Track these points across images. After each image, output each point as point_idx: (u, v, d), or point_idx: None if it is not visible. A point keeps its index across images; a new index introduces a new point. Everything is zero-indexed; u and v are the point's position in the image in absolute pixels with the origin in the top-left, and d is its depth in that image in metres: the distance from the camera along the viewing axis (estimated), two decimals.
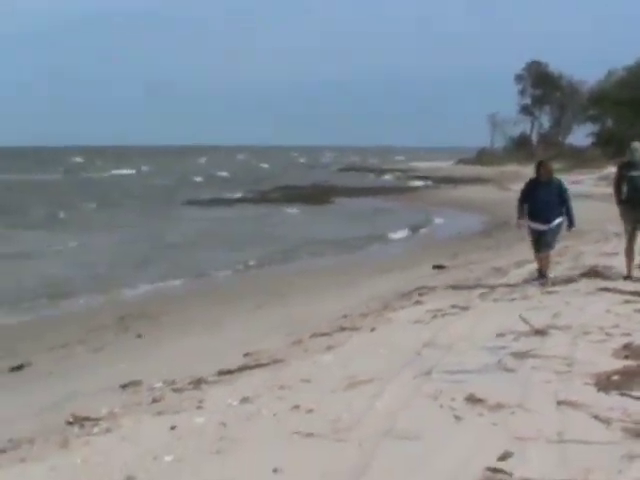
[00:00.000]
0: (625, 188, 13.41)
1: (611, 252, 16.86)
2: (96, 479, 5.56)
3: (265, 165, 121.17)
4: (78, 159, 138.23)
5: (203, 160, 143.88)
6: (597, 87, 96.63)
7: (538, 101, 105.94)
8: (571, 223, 13.97)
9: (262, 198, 52.90)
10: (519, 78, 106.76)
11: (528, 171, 60.81)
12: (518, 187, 51.82)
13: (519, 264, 17.15)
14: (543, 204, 13.71)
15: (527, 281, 13.89)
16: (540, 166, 14.25)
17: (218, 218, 38.51)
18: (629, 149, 13.90)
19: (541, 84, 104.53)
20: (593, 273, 13.87)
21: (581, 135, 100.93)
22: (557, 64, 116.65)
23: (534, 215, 13.86)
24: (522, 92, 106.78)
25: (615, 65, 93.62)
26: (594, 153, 79.86)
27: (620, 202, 13.59)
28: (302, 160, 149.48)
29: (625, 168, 13.63)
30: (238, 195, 55.21)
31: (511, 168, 77.35)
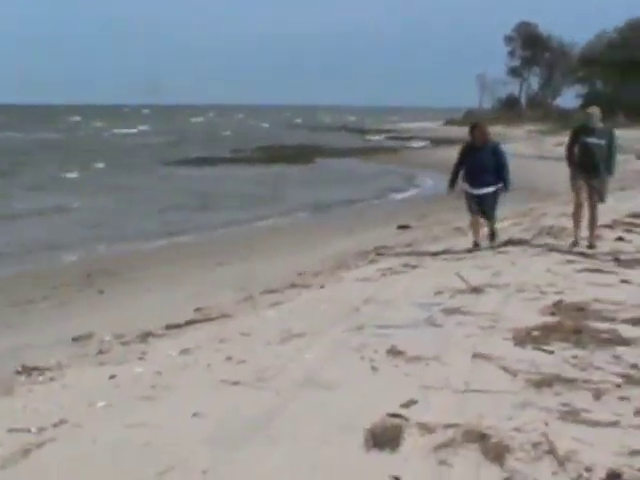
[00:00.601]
0: (578, 153, 13.00)
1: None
2: (31, 422, 5.95)
3: (266, 125, 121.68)
4: (76, 118, 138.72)
5: (201, 119, 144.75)
6: (587, 49, 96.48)
7: (527, 62, 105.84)
8: (505, 187, 13.34)
9: (249, 157, 53.14)
10: (508, 39, 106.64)
11: (514, 132, 60.94)
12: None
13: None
14: (478, 169, 13.18)
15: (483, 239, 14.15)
16: (474, 129, 13.57)
17: (203, 177, 39.05)
18: (585, 113, 13.58)
19: (530, 45, 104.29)
20: (545, 234, 14.26)
21: (570, 97, 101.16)
22: (547, 25, 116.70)
23: (470, 180, 13.39)
24: (511, 53, 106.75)
25: (606, 27, 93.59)
26: (581, 115, 80.00)
27: (571, 164, 13.15)
28: (298, 120, 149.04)
29: (579, 133, 13.10)
30: (226, 155, 55.35)
31: (497, 130, 77.14)
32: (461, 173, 13.57)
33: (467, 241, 15.09)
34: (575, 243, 12.92)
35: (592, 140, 12.82)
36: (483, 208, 13.40)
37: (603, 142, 12.85)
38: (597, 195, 12.99)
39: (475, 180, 13.26)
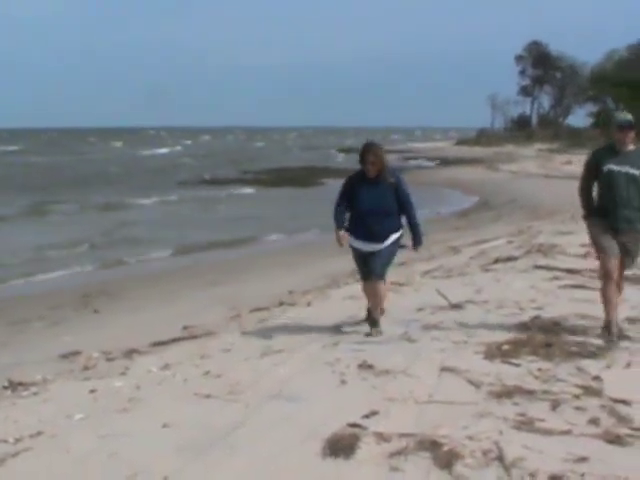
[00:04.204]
0: (599, 191, 8.42)
1: (566, 231, 17.46)
2: (10, 433, 6.23)
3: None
4: (92, 139, 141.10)
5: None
6: (597, 67, 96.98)
7: (538, 81, 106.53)
8: (416, 241, 9.01)
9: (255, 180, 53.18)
10: (519, 58, 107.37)
11: (523, 151, 60.89)
12: (508, 168, 52.42)
13: (476, 243, 17.84)
14: (371, 212, 8.75)
15: (467, 264, 14.29)
16: (366, 154, 8.77)
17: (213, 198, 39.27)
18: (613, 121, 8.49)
19: (541, 64, 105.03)
20: (535, 251, 14.45)
21: (581, 116, 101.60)
22: (557, 45, 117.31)
23: (356, 229, 8.90)
24: (522, 73, 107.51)
25: (617, 45, 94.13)
26: (591, 133, 79.99)
27: (590, 214, 8.52)
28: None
29: (601, 157, 8.33)
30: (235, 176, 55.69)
31: (506, 149, 78.24)
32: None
33: (459, 259, 15.34)
34: (611, 333, 8.21)
35: (619, 168, 8.15)
36: (372, 264, 8.91)
37: (637, 172, 8.16)
38: (629, 257, 8.46)
39: (365, 229, 8.83)
